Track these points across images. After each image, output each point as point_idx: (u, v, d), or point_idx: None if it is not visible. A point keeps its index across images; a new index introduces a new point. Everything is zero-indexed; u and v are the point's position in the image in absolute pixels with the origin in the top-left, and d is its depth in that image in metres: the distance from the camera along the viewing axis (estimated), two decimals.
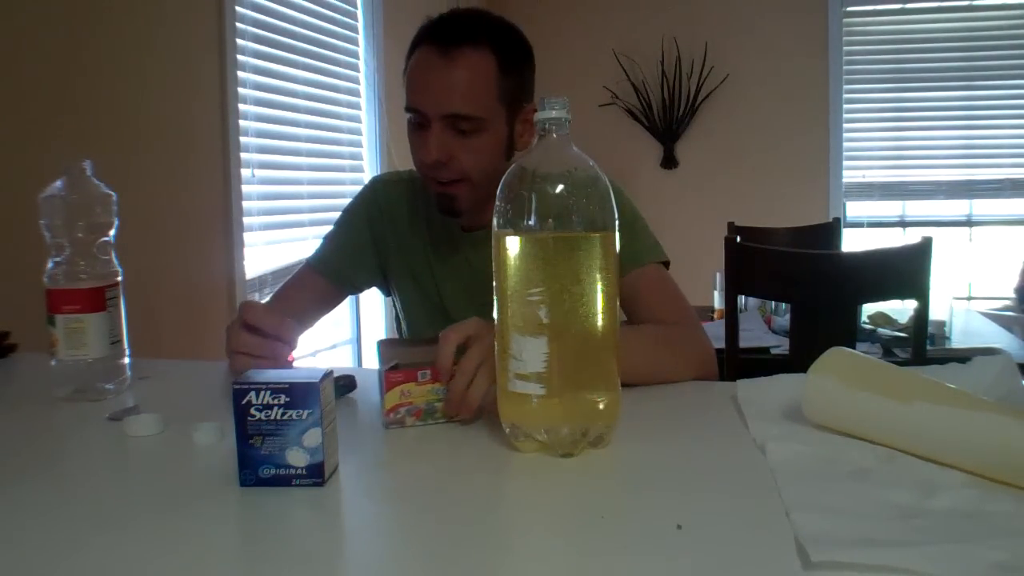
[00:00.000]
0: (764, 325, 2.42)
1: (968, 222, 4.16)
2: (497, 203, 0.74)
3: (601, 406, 0.74)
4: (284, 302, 1.28)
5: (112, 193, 0.98)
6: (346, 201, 1.35)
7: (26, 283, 1.14)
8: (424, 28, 1.12)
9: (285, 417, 0.66)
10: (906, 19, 4.11)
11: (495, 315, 0.76)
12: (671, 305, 1.15)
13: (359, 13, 3.14)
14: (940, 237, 2.02)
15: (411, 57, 1.12)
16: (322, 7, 2.87)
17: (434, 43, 1.08)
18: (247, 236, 2.41)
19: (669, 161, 4.31)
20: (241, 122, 2.38)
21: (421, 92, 1.09)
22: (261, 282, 2.50)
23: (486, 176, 1.11)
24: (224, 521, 0.63)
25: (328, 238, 1.32)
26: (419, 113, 1.09)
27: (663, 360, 1.02)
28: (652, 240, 1.20)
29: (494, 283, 0.75)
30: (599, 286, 0.73)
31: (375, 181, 1.35)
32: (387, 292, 1.36)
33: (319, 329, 1.28)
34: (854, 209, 4.22)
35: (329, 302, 1.33)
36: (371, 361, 3.22)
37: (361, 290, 1.36)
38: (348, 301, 1.60)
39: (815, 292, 1.80)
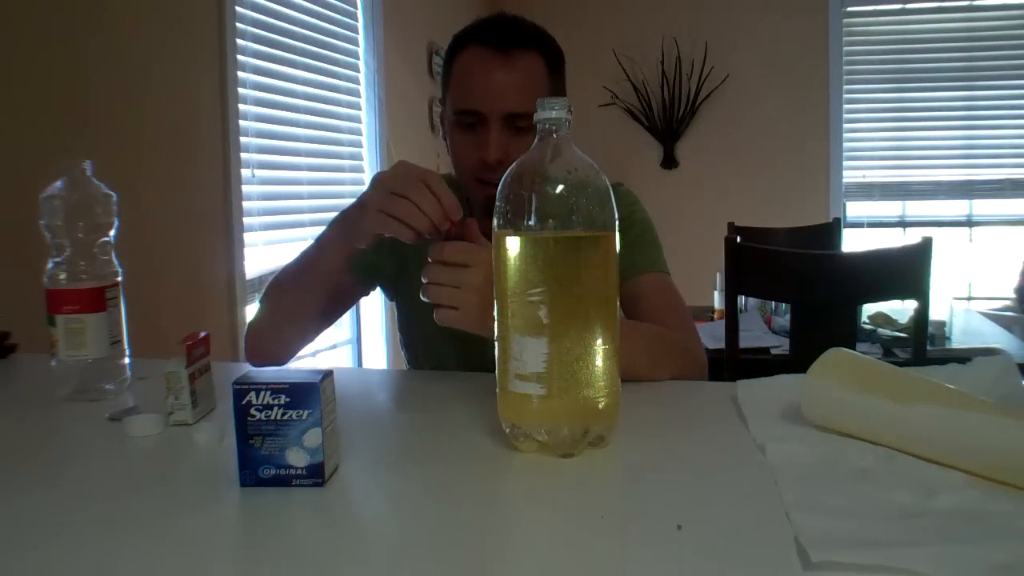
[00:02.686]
0: (764, 325, 2.42)
1: (968, 222, 4.16)
2: (497, 203, 0.74)
3: (601, 406, 0.74)
4: None
5: (112, 193, 0.98)
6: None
7: (26, 283, 1.14)
8: (471, 31, 1.14)
9: (285, 417, 0.66)
10: (906, 19, 4.11)
11: (495, 315, 0.76)
12: (674, 312, 1.17)
13: (359, 13, 3.14)
14: (940, 237, 2.02)
15: (454, 59, 1.14)
16: (322, 7, 2.87)
17: (487, 45, 1.10)
18: (247, 236, 2.41)
19: (669, 161, 4.31)
20: (241, 122, 2.38)
21: (479, 92, 1.10)
22: (261, 282, 2.50)
23: None
24: (224, 521, 0.63)
25: None
26: (475, 114, 1.10)
27: (659, 360, 1.02)
28: (661, 253, 1.23)
29: (494, 283, 0.75)
30: (599, 286, 0.73)
31: None
32: (391, 296, 1.36)
33: None
34: (854, 209, 4.22)
35: (348, 300, 1.31)
36: (371, 361, 3.22)
37: (371, 290, 1.35)
38: None
39: (815, 292, 1.80)
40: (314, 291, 1.14)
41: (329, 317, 1.25)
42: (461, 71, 1.13)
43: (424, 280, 0.88)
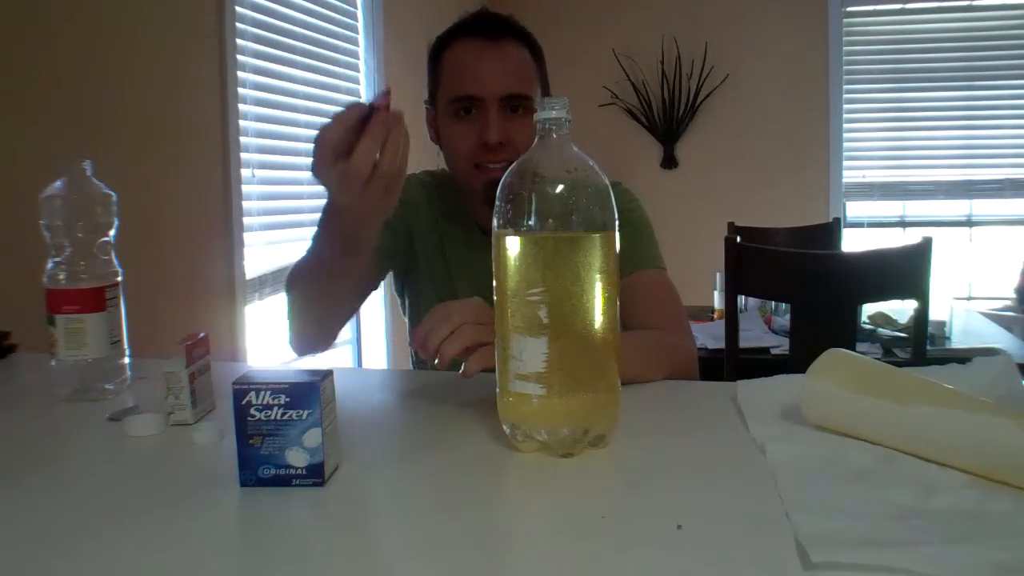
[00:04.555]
0: (764, 325, 2.42)
1: (968, 222, 4.16)
2: (497, 203, 0.74)
3: (601, 406, 0.74)
4: None
5: (112, 193, 0.98)
6: None
7: (26, 283, 1.14)
8: (456, 27, 1.18)
9: (285, 417, 0.66)
10: (906, 19, 4.11)
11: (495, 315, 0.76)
12: (668, 310, 1.19)
13: (359, 13, 3.14)
14: (940, 237, 2.02)
15: (442, 55, 1.18)
16: (322, 7, 2.87)
17: (477, 35, 1.15)
18: (247, 236, 2.41)
19: (669, 161, 4.31)
20: (241, 122, 2.38)
21: (474, 77, 1.14)
22: (261, 282, 2.50)
23: None
24: (224, 521, 0.63)
25: None
26: (472, 99, 1.14)
27: (651, 364, 1.02)
28: (658, 249, 1.25)
29: (494, 283, 0.75)
30: (599, 286, 0.73)
31: None
32: (400, 287, 1.36)
33: None
34: (854, 209, 4.22)
35: (373, 284, 1.28)
36: (371, 361, 3.22)
37: (384, 275, 1.32)
38: None
39: (815, 292, 1.80)
40: (349, 277, 1.09)
41: (361, 298, 1.24)
42: (452, 63, 1.17)
43: (470, 344, 0.84)
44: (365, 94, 3.15)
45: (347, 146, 0.79)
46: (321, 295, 1.09)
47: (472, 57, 1.15)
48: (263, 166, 2.53)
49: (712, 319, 2.62)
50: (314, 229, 0.98)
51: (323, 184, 0.85)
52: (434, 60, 1.21)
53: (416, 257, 1.31)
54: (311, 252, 1.05)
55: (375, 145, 0.79)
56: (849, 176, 4.19)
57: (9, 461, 0.78)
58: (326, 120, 0.81)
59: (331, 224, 0.94)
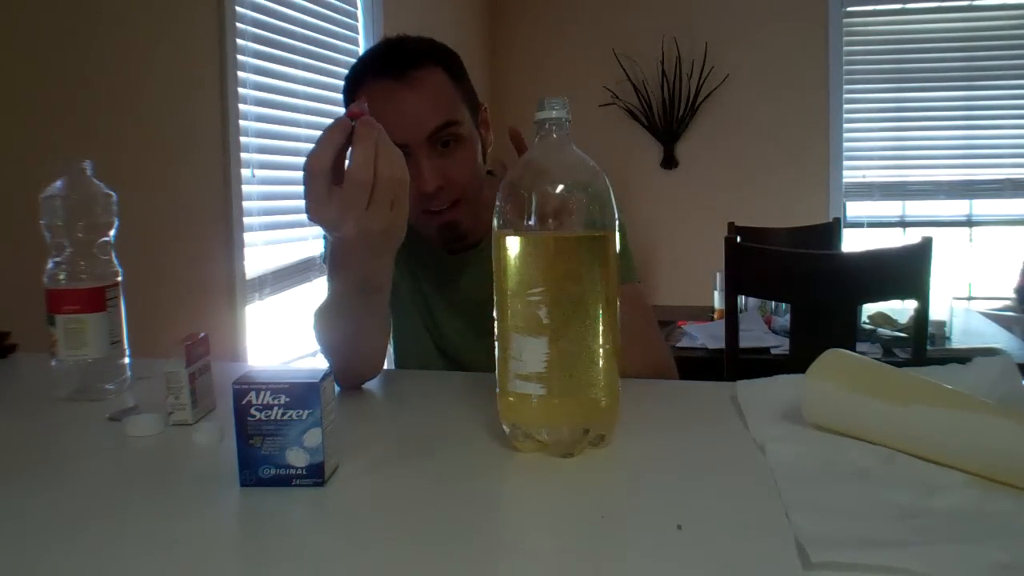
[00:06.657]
0: (764, 325, 2.42)
1: (968, 222, 4.16)
2: (497, 203, 0.74)
3: (601, 406, 0.74)
4: None
5: (112, 193, 0.98)
6: None
7: (26, 283, 1.14)
8: (363, 67, 1.11)
9: (285, 417, 0.66)
10: (906, 19, 4.11)
11: (495, 316, 0.76)
12: (641, 324, 1.15)
13: (359, 13, 3.14)
14: (940, 237, 2.02)
15: (355, 95, 1.11)
16: (322, 7, 2.87)
17: (385, 75, 1.08)
18: (247, 236, 2.41)
19: (669, 161, 4.31)
20: (241, 122, 2.38)
21: (394, 123, 1.03)
22: (261, 282, 2.50)
23: (476, 189, 1.13)
24: (224, 521, 0.63)
25: None
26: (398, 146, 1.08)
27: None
28: (632, 261, 1.21)
29: (494, 283, 0.75)
30: (599, 286, 0.73)
31: None
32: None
33: None
34: (854, 209, 4.22)
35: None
36: None
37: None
38: None
39: (815, 292, 1.80)
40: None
41: (390, 331, 1.16)
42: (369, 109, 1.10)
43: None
44: None
45: (337, 173, 0.76)
46: (348, 338, 0.98)
47: (385, 101, 1.05)
48: (263, 166, 2.53)
49: (712, 319, 2.62)
50: (312, 231, 0.96)
51: (322, 222, 0.79)
52: (349, 101, 1.13)
53: (402, 284, 1.27)
54: (329, 297, 0.97)
55: (370, 149, 0.75)
56: (849, 176, 4.19)
57: (9, 461, 0.78)
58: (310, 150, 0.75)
59: (343, 267, 0.88)
